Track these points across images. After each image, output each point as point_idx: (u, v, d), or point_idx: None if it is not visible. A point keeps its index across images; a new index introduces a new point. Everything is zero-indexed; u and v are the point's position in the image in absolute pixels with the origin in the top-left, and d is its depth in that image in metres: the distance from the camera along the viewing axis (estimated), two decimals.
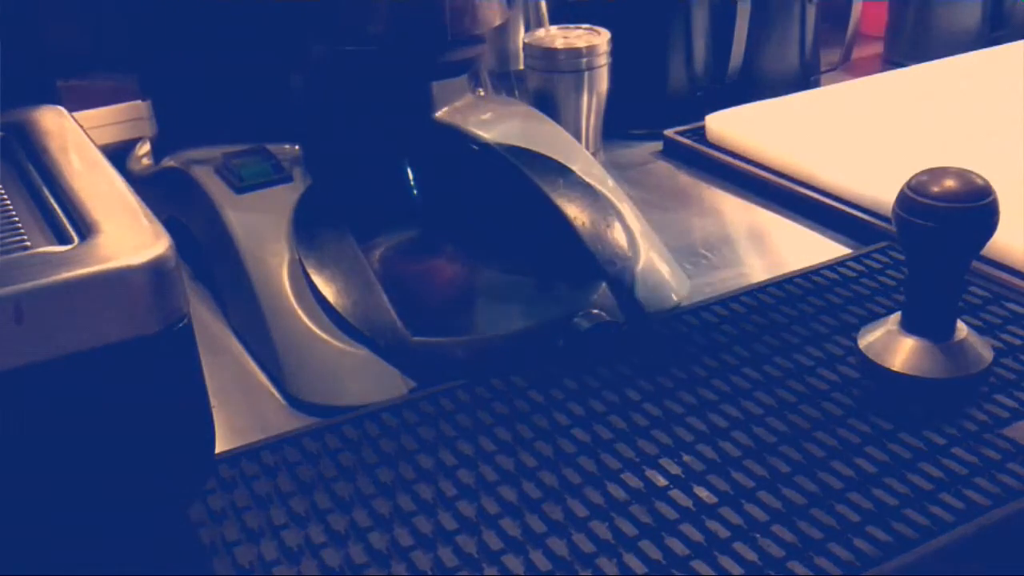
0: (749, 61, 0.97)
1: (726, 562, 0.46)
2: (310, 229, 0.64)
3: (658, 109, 0.97)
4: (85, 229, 0.42)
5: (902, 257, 0.69)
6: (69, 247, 0.41)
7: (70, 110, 0.57)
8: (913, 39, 1.15)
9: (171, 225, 0.44)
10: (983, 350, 0.57)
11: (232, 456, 0.54)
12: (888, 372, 0.56)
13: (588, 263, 0.65)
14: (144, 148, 0.81)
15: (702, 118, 0.92)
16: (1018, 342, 0.61)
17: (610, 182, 0.72)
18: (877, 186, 0.76)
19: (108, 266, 0.39)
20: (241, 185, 0.67)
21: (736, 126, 0.89)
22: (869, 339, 0.58)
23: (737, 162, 0.87)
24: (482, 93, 0.78)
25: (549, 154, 0.71)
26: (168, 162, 0.74)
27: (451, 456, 0.53)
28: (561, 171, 0.70)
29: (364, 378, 0.59)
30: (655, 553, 0.46)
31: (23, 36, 0.68)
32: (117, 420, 0.41)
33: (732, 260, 0.75)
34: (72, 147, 0.51)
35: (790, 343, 0.61)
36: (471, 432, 0.55)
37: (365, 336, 0.59)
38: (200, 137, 0.73)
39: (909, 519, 0.48)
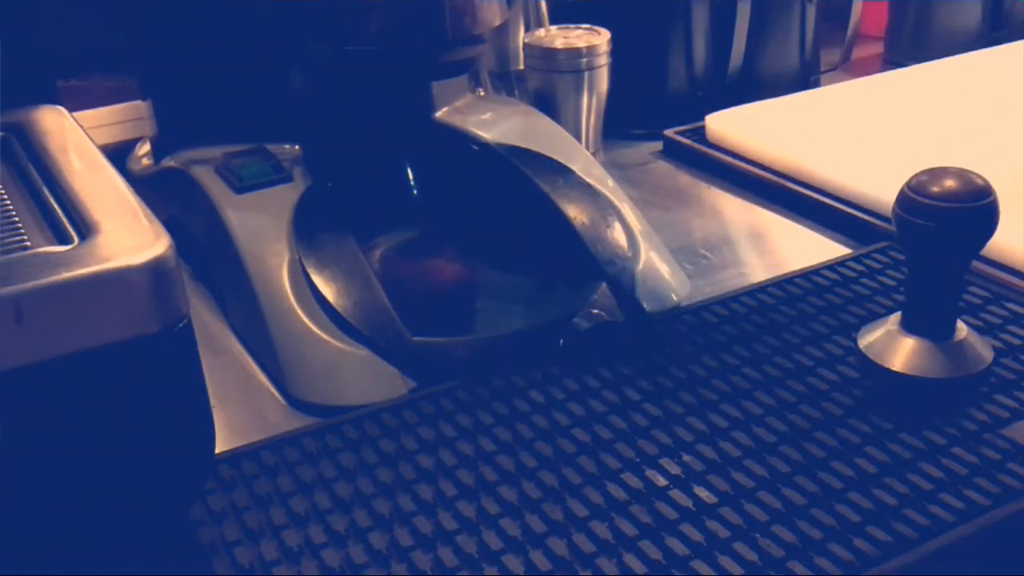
0: (749, 61, 0.97)
1: (726, 562, 0.46)
2: (310, 229, 0.64)
3: (658, 109, 0.97)
4: (85, 229, 0.42)
5: (902, 257, 0.69)
6: (69, 247, 0.41)
7: (70, 110, 0.57)
8: (913, 39, 1.15)
9: (171, 225, 0.44)
10: (983, 350, 0.57)
11: (232, 456, 0.54)
12: (888, 372, 0.56)
13: (588, 263, 0.65)
14: (144, 148, 0.81)
15: (702, 118, 0.92)
16: (1018, 342, 0.61)
17: (610, 182, 0.72)
18: (877, 186, 0.76)
19: (108, 266, 0.39)
20: (241, 185, 0.67)
21: (736, 126, 0.89)
22: (869, 339, 0.58)
23: (737, 162, 0.87)
24: (482, 93, 0.78)
25: (549, 154, 0.71)
26: (168, 162, 0.74)
27: (451, 456, 0.53)
28: (561, 171, 0.70)
29: (364, 378, 0.59)
30: (655, 553, 0.46)
31: (23, 36, 0.68)
32: (117, 420, 0.41)
33: (732, 260, 0.75)
34: (72, 147, 0.51)
35: (790, 343, 0.61)
36: (471, 432, 0.55)
37: (365, 336, 0.59)
38: (200, 137, 0.73)
39: (909, 519, 0.48)
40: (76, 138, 0.52)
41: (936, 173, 0.54)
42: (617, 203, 0.70)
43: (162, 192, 0.72)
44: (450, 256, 0.71)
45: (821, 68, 1.06)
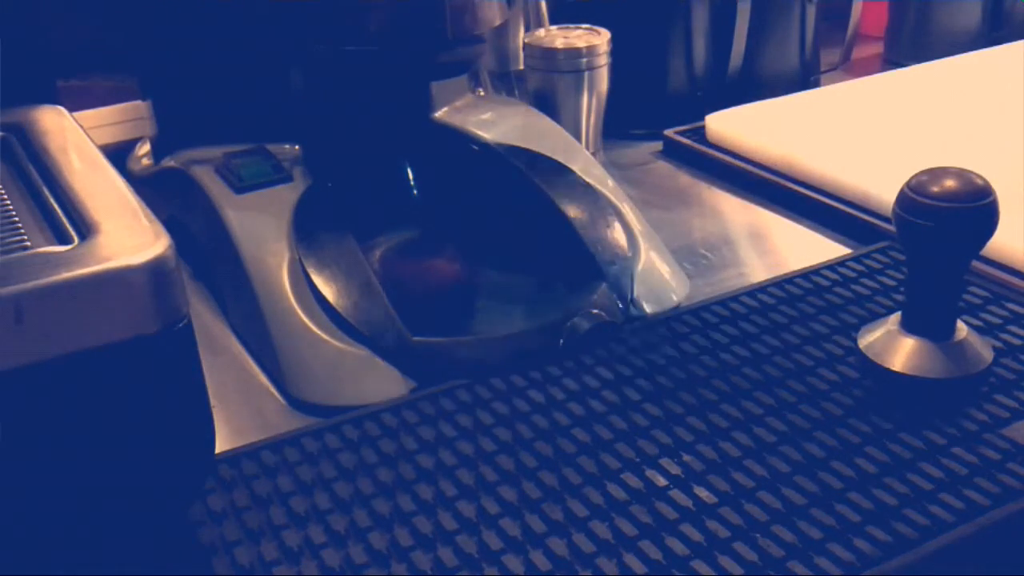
0: (749, 61, 0.97)
1: (726, 562, 0.46)
2: (310, 229, 0.64)
3: (658, 109, 0.97)
4: (85, 229, 0.42)
5: (902, 257, 0.69)
6: (69, 247, 0.41)
7: (70, 110, 0.57)
8: (913, 39, 1.15)
9: (171, 225, 0.44)
10: (983, 350, 0.57)
11: (232, 456, 0.54)
12: (888, 372, 0.56)
13: (588, 263, 0.65)
14: (144, 148, 0.81)
15: (702, 118, 0.92)
16: (1018, 342, 0.60)
17: (610, 182, 0.72)
18: (877, 186, 0.76)
19: (108, 266, 0.39)
20: (241, 185, 0.67)
21: (736, 126, 0.89)
22: (869, 339, 0.58)
23: (737, 162, 0.87)
24: (482, 93, 0.78)
25: (549, 154, 0.71)
26: (168, 162, 0.74)
27: (451, 456, 0.53)
28: (561, 171, 0.70)
29: (364, 378, 0.59)
30: (655, 553, 0.46)
31: (23, 36, 0.68)
32: (117, 420, 0.41)
33: (732, 260, 0.75)
34: (72, 147, 0.51)
35: (790, 343, 0.61)
36: (471, 432, 0.55)
37: (365, 336, 0.59)
38: (200, 137, 0.73)
39: (909, 519, 0.48)
40: (76, 138, 0.52)
41: (936, 173, 0.54)
42: (617, 203, 0.70)
43: (162, 192, 0.72)
44: (450, 256, 0.71)
45: (821, 68, 1.06)
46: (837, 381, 0.58)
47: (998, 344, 0.60)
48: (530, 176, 0.69)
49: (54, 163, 0.49)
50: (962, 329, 0.57)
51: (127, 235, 0.42)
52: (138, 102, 0.86)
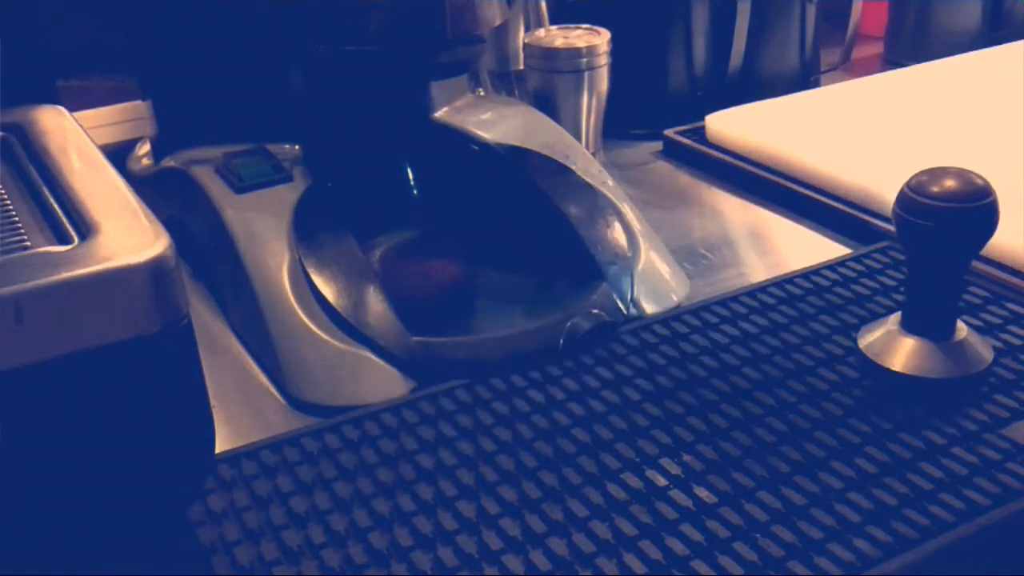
0: (749, 61, 0.97)
1: (726, 562, 0.46)
2: (310, 229, 0.64)
3: (658, 109, 0.97)
4: (85, 229, 0.42)
5: (902, 257, 0.69)
6: (69, 247, 0.41)
7: (70, 110, 0.57)
8: (913, 39, 1.15)
9: (171, 225, 0.44)
10: (983, 350, 0.57)
11: (232, 456, 0.54)
12: (888, 372, 0.56)
13: (588, 263, 0.65)
14: (144, 148, 0.81)
15: (702, 118, 0.92)
16: (1018, 342, 0.60)
17: (610, 182, 0.72)
18: (877, 186, 0.76)
19: (108, 266, 0.39)
20: (241, 185, 0.67)
21: (736, 126, 0.89)
22: (869, 339, 0.58)
23: (737, 162, 0.87)
24: (482, 93, 0.78)
25: (549, 154, 0.71)
26: (168, 162, 0.74)
27: (451, 456, 0.53)
28: (561, 171, 0.70)
29: (364, 378, 0.59)
30: (655, 553, 0.46)
31: (23, 36, 0.68)
32: (117, 420, 0.41)
33: (732, 260, 0.75)
34: (72, 147, 0.51)
35: (790, 343, 0.61)
36: (471, 432, 0.55)
37: (365, 336, 0.59)
38: (200, 137, 0.73)
39: (909, 519, 0.48)
40: (76, 138, 0.52)
41: (936, 173, 0.54)
42: (617, 203, 0.70)
43: (162, 192, 0.72)
44: (450, 256, 0.71)
45: (821, 68, 1.06)
46: (837, 381, 0.58)
47: (998, 344, 0.60)
48: (530, 176, 0.69)
49: (54, 163, 0.49)
50: (962, 329, 0.57)
51: (127, 235, 0.42)
52: (138, 102, 0.86)
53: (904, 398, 0.56)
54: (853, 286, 0.67)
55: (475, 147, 0.72)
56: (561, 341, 0.60)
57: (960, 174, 0.54)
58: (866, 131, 0.87)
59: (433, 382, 0.59)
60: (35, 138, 0.52)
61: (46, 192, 0.47)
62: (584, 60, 0.85)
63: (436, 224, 0.72)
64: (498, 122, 0.74)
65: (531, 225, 0.69)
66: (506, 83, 0.96)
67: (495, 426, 0.55)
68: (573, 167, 0.71)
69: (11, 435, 0.39)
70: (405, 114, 0.73)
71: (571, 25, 0.88)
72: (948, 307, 0.56)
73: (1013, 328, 0.62)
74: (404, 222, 0.72)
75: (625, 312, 0.64)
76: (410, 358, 0.59)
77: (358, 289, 0.61)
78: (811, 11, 1.00)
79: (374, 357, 0.59)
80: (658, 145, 0.94)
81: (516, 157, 0.71)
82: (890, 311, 0.61)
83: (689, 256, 0.75)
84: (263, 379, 0.62)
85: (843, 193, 0.79)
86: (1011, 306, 0.64)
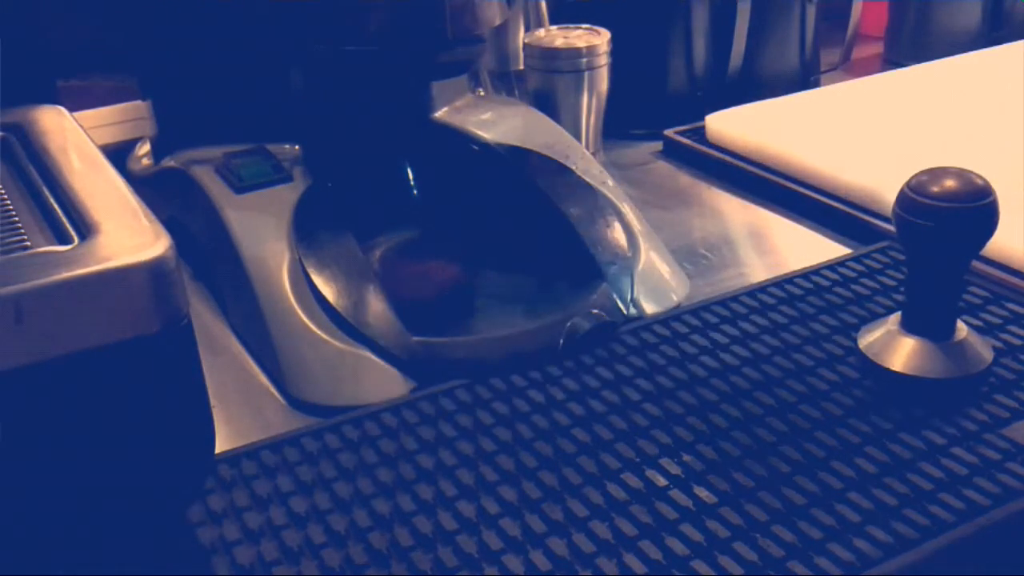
0: (749, 61, 0.97)
1: (726, 562, 0.46)
2: (310, 229, 0.64)
3: (658, 109, 0.97)
4: (85, 229, 0.42)
5: (902, 257, 0.69)
6: (69, 247, 0.41)
7: (70, 110, 0.57)
8: (913, 39, 1.15)
9: (171, 225, 0.44)
10: (983, 350, 0.57)
11: (232, 456, 0.54)
12: (888, 372, 0.56)
13: (588, 263, 0.65)
14: (144, 148, 0.81)
15: (702, 118, 0.92)
16: (1018, 342, 0.60)
17: (610, 182, 0.72)
18: (877, 186, 0.76)
19: (108, 266, 0.39)
20: (241, 185, 0.67)
21: (736, 126, 0.89)
22: (869, 339, 0.58)
23: (737, 162, 0.87)
24: (482, 93, 0.78)
25: (549, 154, 0.71)
26: (168, 162, 0.74)
27: (451, 456, 0.53)
28: (561, 171, 0.70)
29: (364, 378, 0.59)
30: (655, 553, 0.46)
31: (23, 36, 0.68)
32: (117, 420, 0.41)
33: (732, 260, 0.75)
34: (72, 147, 0.51)
35: (790, 343, 0.61)
36: (471, 432, 0.55)
37: (365, 336, 0.59)
38: (200, 137, 0.73)
39: (909, 519, 0.48)
40: (76, 138, 0.52)
41: (936, 173, 0.54)
42: (617, 203, 0.70)
43: (162, 192, 0.72)
44: (450, 256, 0.71)
45: (821, 68, 1.06)
46: (837, 381, 0.58)
47: (998, 344, 0.60)
48: (530, 176, 0.69)
49: (54, 163, 0.49)
50: (962, 329, 0.57)
51: (127, 235, 0.42)
52: (138, 102, 0.86)
53: (904, 398, 0.56)
54: (853, 286, 0.67)
55: (475, 147, 0.72)
56: (561, 341, 0.60)
57: (960, 174, 0.54)
58: (866, 131, 0.87)
59: (433, 382, 0.59)
60: (35, 138, 0.52)
61: (46, 192, 0.47)
62: (584, 60, 0.85)
63: (436, 224, 0.72)
64: (498, 122, 0.74)
65: (531, 225, 0.69)
66: (506, 83, 0.96)
67: (495, 426, 0.55)
68: (573, 167, 0.71)
69: (11, 435, 0.39)
70: (405, 114, 0.73)
71: (571, 25, 0.88)
72: (948, 307, 0.56)
73: (1013, 328, 0.62)
74: (404, 222, 0.72)
75: (625, 312, 0.64)
76: (410, 358, 0.59)
77: (358, 289, 0.61)
78: (811, 11, 1.00)
79: (374, 357, 0.59)
80: (658, 145, 0.94)
81: (516, 157, 0.71)
82: (890, 311, 0.61)
83: (689, 256, 0.75)
84: (263, 379, 0.62)
85: (843, 193, 0.79)
86: (1011, 306, 0.64)
